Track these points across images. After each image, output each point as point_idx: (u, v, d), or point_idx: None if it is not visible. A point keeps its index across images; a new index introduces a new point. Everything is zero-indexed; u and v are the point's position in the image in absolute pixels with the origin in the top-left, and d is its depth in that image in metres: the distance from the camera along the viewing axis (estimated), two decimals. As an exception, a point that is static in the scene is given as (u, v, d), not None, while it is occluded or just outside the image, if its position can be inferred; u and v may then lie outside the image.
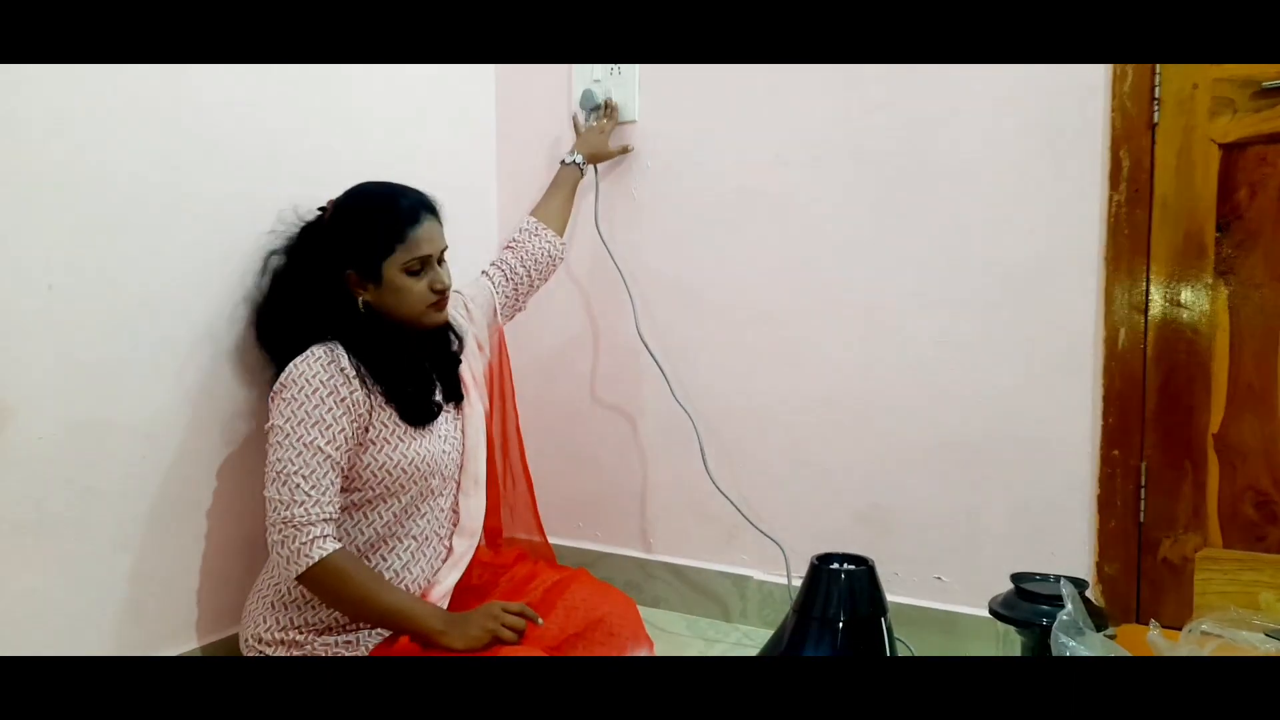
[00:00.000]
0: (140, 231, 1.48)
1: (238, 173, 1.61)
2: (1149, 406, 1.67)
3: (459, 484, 1.62)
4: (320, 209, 1.56)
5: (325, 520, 1.39)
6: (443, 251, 1.54)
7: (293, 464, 1.38)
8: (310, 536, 1.37)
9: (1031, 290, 1.73)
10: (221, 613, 1.63)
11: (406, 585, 1.51)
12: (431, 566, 1.56)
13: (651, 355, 2.03)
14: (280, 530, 1.37)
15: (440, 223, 1.54)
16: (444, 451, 1.55)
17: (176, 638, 1.58)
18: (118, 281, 1.46)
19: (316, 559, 1.36)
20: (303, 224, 1.58)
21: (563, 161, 2.00)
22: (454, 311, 1.68)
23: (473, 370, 1.68)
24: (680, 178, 2.03)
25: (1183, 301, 1.65)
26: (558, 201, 1.97)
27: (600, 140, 2.04)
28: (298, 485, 1.38)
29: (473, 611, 1.47)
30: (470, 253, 1.91)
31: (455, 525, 1.61)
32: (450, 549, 1.59)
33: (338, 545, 1.39)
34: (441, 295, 1.52)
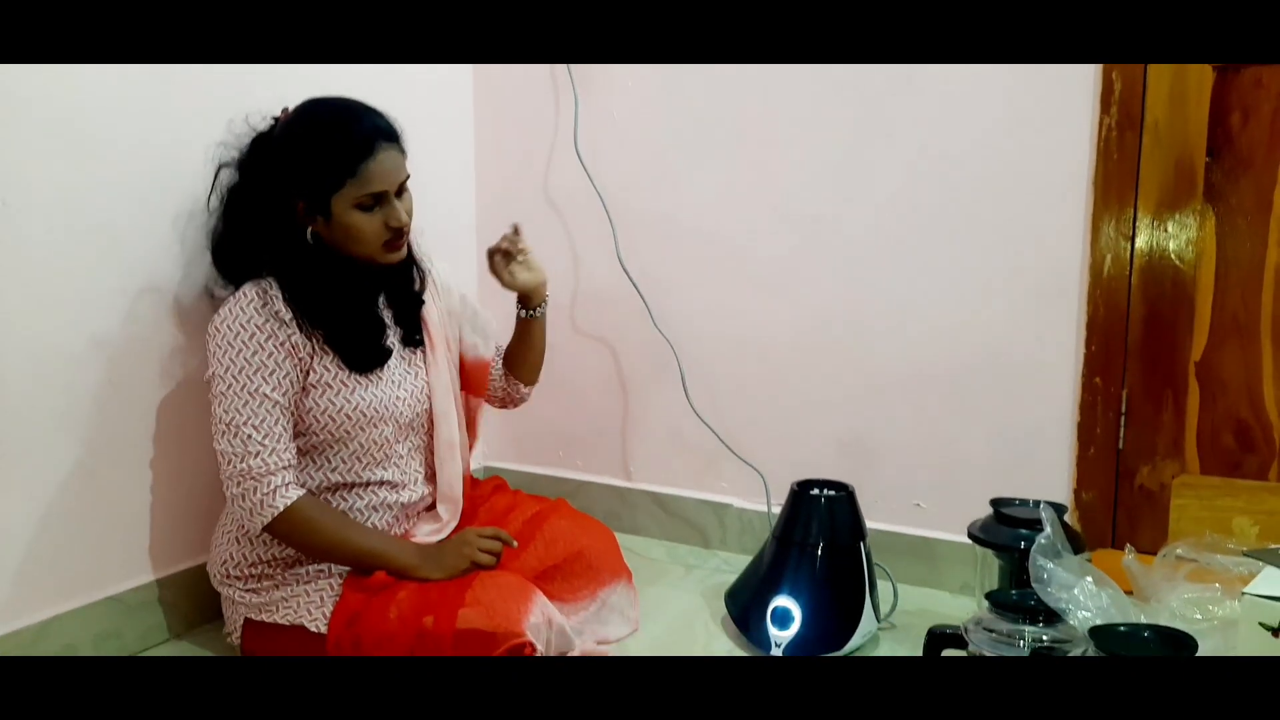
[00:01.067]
0: (96, 151, 1.42)
1: (189, 87, 1.52)
2: (1132, 335, 1.67)
3: (431, 447, 1.54)
4: (274, 118, 1.43)
5: (285, 468, 1.35)
6: (403, 183, 1.41)
7: (240, 414, 1.33)
8: (271, 487, 1.33)
9: (1017, 216, 1.70)
10: (184, 544, 1.60)
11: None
12: (400, 517, 1.51)
13: (633, 283, 2.00)
14: (239, 484, 1.33)
15: (402, 151, 1.40)
16: (398, 398, 1.46)
17: (132, 571, 1.55)
18: (73, 201, 1.40)
19: (281, 508, 1.34)
20: (254, 134, 1.43)
21: (518, 316, 1.68)
22: (428, 267, 1.58)
23: (438, 317, 1.57)
24: (660, 97, 1.97)
25: (1170, 229, 1.63)
26: (525, 352, 1.71)
27: (532, 273, 1.65)
28: (249, 436, 1.33)
29: (447, 541, 1.47)
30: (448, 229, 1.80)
31: (430, 481, 1.55)
32: (425, 505, 1.55)
33: (301, 492, 1.36)
34: (397, 233, 1.41)
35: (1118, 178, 1.64)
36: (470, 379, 1.64)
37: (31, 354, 1.37)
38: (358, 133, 1.36)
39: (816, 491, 1.57)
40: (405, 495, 1.51)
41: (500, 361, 1.71)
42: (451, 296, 1.62)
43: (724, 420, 1.96)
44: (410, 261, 1.53)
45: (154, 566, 1.57)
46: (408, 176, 1.43)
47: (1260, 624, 1.10)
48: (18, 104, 1.32)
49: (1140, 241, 1.64)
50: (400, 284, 1.52)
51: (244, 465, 1.33)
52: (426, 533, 1.51)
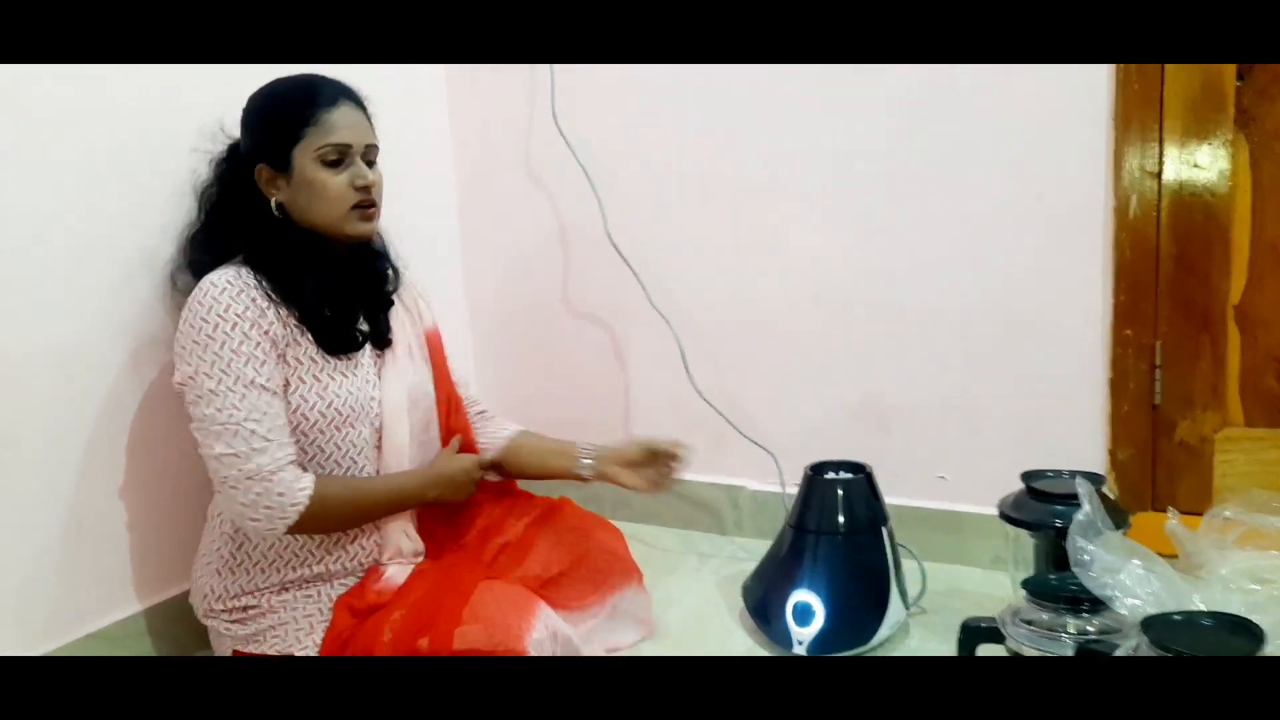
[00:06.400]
0: (18, 150, 1.30)
1: (159, 82, 1.43)
2: (1163, 279, 1.55)
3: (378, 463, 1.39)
4: None
5: (291, 462, 1.26)
6: (369, 148, 1.34)
7: (238, 410, 1.23)
8: (286, 484, 1.24)
9: (1032, 156, 1.57)
10: (166, 570, 1.51)
11: (340, 561, 1.36)
12: (363, 536, 1.38)
13: (623, 258, 1.88)
14: (248, 489, 1.23)
15: (367, 116, 1.35)
16: (372, 398, 1.37)
17: (114, 603, 1.46)
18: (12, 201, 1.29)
19: (304, 503, 1.24)
20: (230, 141, 1.39)
21: (572, 466, 1.55)
22: (407, 292, 1.49)
23: (408, 325, 1.47)
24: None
25: (1199, 161, 1.50)
26: (531, 474, 1.59)
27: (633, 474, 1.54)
28: (252, 432, 1.23)
29: (447, 470, 1.43)
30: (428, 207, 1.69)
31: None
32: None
33: (312, 478, 1.27)
34: (365, 194, 1.32)
35: (1140, 107, 1.51)
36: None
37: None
38: (318, 84, 1.33)
39: (831, 475, 1.47)
40: None
41: (479, 419, 1.60)
42: (427, 318, 1.54)
43: (730, 397, 1.86)
44: (382, 259, 1.45)
45: (136, 597, 1.49)
46: (375, 147, 1.36)
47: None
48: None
49: (1167, 175, 1.52)
50: (370, 280, 1.43)
51: (252, 466, 1.22)
52: (393, 571, 1.40)
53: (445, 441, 1.49)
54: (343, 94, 1.33)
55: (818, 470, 1.49)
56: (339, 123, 1.30)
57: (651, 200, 1.88)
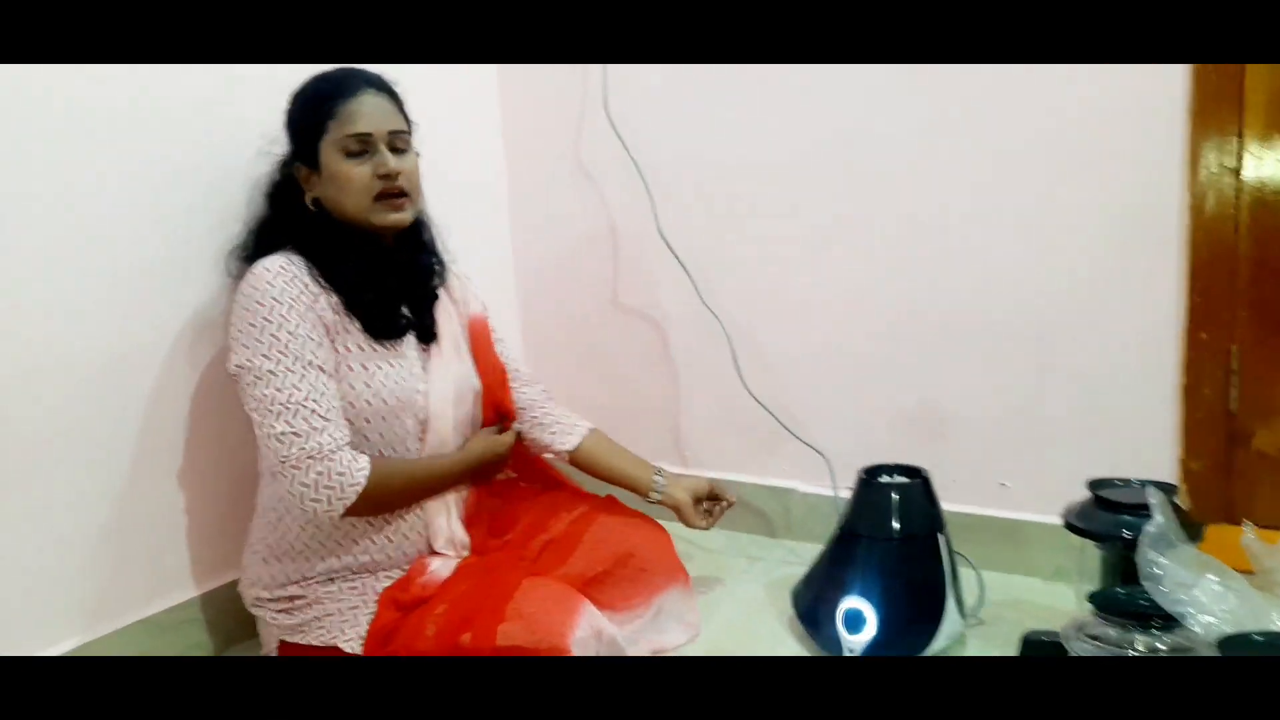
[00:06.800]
0: (78, 156, 1.32)
1: (192, 93, 1.44)
2: (1241, 281, 1.47)
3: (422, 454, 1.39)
4: None
5: (347, 443, 1.27)
6: (395, 134, 1.32)
7: (298, 389, 1.23)
8: (346, 464, 1.24)
9: (1102, 149, 1.51)
10: (220, 557, 1.52)
11: (385, 550, 1.36)
12: (405, 525, 1.38)
13: (674, 254, 1.85)
14: (309, 468, 1.23)
15: (393, 101, 1.34)
16: (417, 390, 1.37)
17: (171, 589, 1.48)
18: (57, 213, 1.30)
19: (363, 482, 1.25)
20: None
21: (654, 480, 1.59)
22: (455, 283, 1.50)
23: (455, 318, 1.48)
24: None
25: (1283, 156, 1.42)
26: (600, 475, 1.61)
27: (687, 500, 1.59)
28: (312, 411, 1.23)
29: (482, 441, 1.45)
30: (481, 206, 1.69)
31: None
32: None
33: (368, 458, 1.27)
34: (389, 182, 1.31)
35: (1217, 101, 1.44)
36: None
37: (33, 372, 1.29)
38: (341, 76, 1.33)
39: (885, 479, 1.42)
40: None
41: (545, 410, 1.61)
42: (473, 305, 1.55)
43: (781, 397, 1.82)
44: (427, 252, 1.44)
45: (188, 584, 1.50)
46: (403, 134, 1.35)
47: None
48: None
49: (1247, 173, 1.44)
50: (413, 272, 1.42)
51: (312, 444, 1.22)
52: (438, 565, 1.39)
53: (489, 424, 1.50)
54: (365, 83, 1.32)
55: (872, 474, 1.44)
56: (357, 112, 1.30)
57: (704, 197, 1.85)
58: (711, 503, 1.62)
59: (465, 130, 1.97)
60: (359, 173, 1.30)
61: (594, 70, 1.89)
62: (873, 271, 1.72)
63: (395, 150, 1.33)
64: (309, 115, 1.32)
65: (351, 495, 1.24)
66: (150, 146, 1.40)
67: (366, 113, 1.30)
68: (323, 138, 1.30)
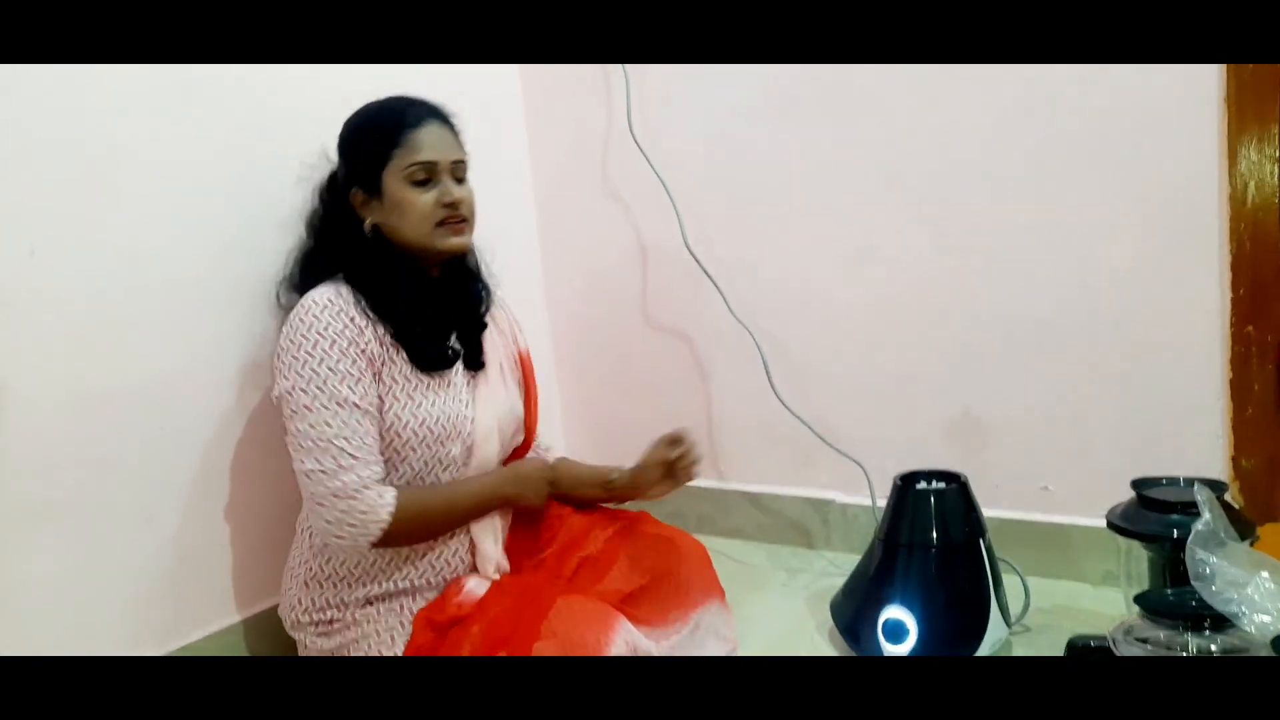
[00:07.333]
0: (125, 181, 1.36)
1: (235, 119, 1.48)
2: (1288, 271, 1.42)
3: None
4: None
5: (378, 481, 1.27)
6: (456, 164, 1.35)
7: (329, 426, 1.24)
8: (370, 503, 1.24)
9: (1136, 142, 1.48)
10: (262, 582, 1.54)
11: (425, 575, 1.36)
12: (448, 551, 1.38)
13: (703, 269, 1.85)
14: (334, 506, 1.24)
15: (453, 132, 1.37)
16: (464, 417, 1.38)
17: (216, 614, 1.50)
18: (104, 239, 1.34)
19: (387, 520, 1.24)
20: (332, 168, 1.41)
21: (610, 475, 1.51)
22: (500, 313, 1.51)
23: (501, 346, 1.49)
24: (719, 67, 1.80)
25: (1326, 141, 1.38)
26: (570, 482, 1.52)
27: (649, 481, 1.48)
28: (341, 449, 1.24)
29: (523, 468, 1.45)
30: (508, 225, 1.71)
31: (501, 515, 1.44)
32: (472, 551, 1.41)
33: (393, 495, 1.26)
34: (453, 210, 1.33)
35: (1254, 87, 1.40)
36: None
37: (71, 399, 1.31)
38: (404, 106, 1.35)
39: (923, 484, 1.40)
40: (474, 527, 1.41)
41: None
42: (520, 342, 1.56)
43: (816, 408, 1.80)
44: (475, 280, 1.46)
45: (229, 610, 1.52)
46: (463, 163, 1.37)
47: None
48: (42, 145, 1.27)
49: (1290, 160, 1.40)
50: (463, 299, 1.44)
51: (338, 483, 1.23)
52: (473, 584, 1.39)
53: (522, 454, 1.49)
54: (428, 113, 1.34)
55: (908, 480, 1.41)
56: (424, 141, 1.32)
57: (731, 212, 1.85)
58: (674, 462, 1.44)
59: (492, 154, 1.98)
60: (424, 200, 1.32)
61: (617, 90, 1.90)
62: (905, 278, 1.70)
63: (456, 179, 1.36)
64: (372, 143, 1.33)
65: (375, 532, 1.24)
66: (195, 169, 1.43)
67: (432, 142, 1.32)
68: (387, 165, 1.31)
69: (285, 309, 1.37)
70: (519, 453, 1.53)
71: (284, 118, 1.53)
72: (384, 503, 1.25)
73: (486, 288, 1.49)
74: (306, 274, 1.40)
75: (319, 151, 1.42)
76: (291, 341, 1.28)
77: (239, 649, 1.51)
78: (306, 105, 1.47)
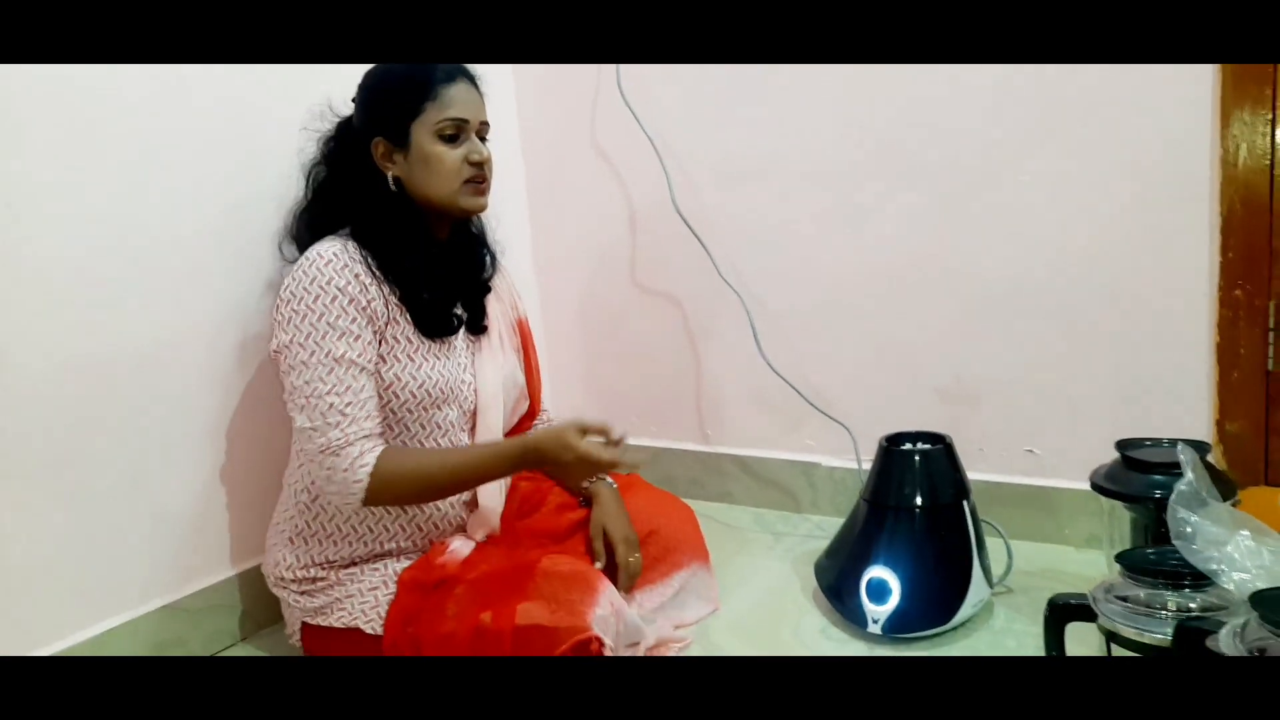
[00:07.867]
0: (119, 141, 1.34)
1: (233, 80, 1.46)
2: (1277, 234, 1.41)
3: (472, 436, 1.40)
4: (353, 99, 1.38)
5: (364, 437, 1.25)
6: (484, 125, 1.35)
7: (323, 383, 1.23)
8: (350, 459, 1.23)
9: (1126, 103, 1.46)
10: (256, 539, 1.53)
11: (412, 537, 1.37)
12: (437, 515, 1.38)
13: (693, 232, 1.83)
14: (321, 462, 1.23)
15: (480, 95, 1.36)
16: (463, 382, 1.37)
17: (210, 570, 1.51)
18: (93, 204, 1.32)
19: (365, 479, 1.23)
20: (339, 119, 1.39)
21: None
22: (501, 280, 1.50)
23: (500, 313, 1.49)
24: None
25: (1318, 102, 1.37)
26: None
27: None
28: (331, 406, 1.23)
29: (550, 432, 1.29)
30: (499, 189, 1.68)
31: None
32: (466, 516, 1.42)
33: (376, 452, 1.24)
34: (479, 170, 1.32)
35: (1248, 49, 1.38)
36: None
37: (57, 361, 1.31)
38: (437, 64, 1.33)
39: (908, 446, 1.40)
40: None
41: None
42: (520, 308, 1.56)
43: (804, 372, 1.79)
44: (481, 244, 1.45)
45: (214, 569, 1.52)
46: (488, 125, 1.37)
47: None
48: (28, 103, 1.26)
49: (1282, 122, 1.39)
50: (469, 262, 1.44)
51: (323, 440, 1.22)
52: (458, 544, 1.39)
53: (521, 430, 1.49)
54: (460, 71, 1.34)
55: (893, 441, 1.41)
56: (457, 98, 1.31)
57: (720, 174, 1.83)
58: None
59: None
60: (453, 157, 1.31)
61: (606, 48, 1.87)
62: (893, 241, 1.69)
63: (481, 140, 1.35)
64: (404, 94, 1.30)
65: (358, 490, 1.23)
66: (183, 130, 1.41)
67: (465, 99, 1.31)
68: (417, 118, 1.30)
69: (289, 262, 1.35)
70: (524, 421, 1.53)
71: (281, 75, 1.50)
72: (362, 462, 1.23)
73: (492, 254, 1.48)
74: (311, 227, 1.37)
75: (324, 100, 1.39)
76: (293, 294, 1.26)
77: (219, 606, 1.52)
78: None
